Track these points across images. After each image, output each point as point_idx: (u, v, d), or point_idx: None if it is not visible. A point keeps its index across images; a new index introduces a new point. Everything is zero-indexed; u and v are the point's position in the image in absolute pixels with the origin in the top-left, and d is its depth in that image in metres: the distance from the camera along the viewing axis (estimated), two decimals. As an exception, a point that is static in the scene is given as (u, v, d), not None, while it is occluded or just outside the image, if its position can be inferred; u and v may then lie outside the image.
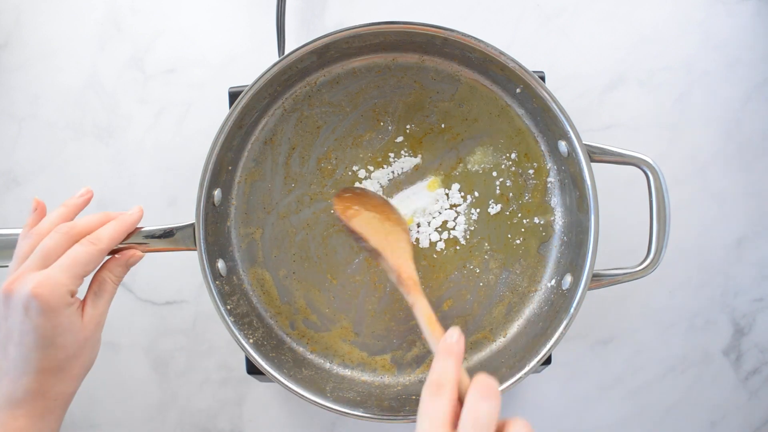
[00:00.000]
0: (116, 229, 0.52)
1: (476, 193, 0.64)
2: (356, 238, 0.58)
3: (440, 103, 0.64)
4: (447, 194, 0.64)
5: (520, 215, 0.64)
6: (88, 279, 0.52)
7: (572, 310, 0.57)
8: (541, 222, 0.64)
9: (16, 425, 0.46)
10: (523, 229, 0.64)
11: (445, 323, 0.64)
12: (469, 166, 0.64)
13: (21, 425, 0.46)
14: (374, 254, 0.57)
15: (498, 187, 0.64)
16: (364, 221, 0.58)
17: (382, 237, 0.57)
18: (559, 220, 0.64)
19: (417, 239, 0.64)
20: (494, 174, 0.64)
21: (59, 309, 0.47)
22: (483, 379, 0.39)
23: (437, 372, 0.40)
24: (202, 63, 0.71)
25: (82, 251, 0.49)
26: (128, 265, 0.55)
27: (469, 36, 0.57)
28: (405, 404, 0.59)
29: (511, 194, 0.64)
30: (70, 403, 0.50)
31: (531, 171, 0.64)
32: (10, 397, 0.47)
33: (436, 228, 0.64)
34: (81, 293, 0.52)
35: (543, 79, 0.61)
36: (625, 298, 0.71)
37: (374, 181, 0.64)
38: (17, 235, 0.53)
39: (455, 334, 0.43)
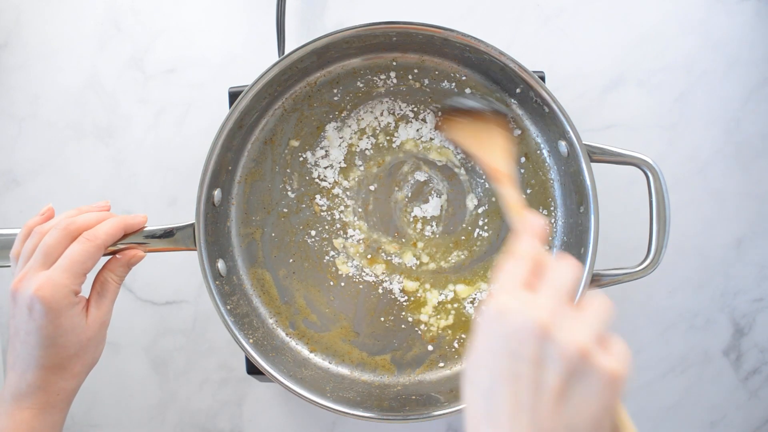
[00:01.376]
0: (113, 226, 0.53)
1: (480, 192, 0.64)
2: (457, 146, 0.65)
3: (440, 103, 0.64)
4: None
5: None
6: (91, 278, 0.53)
7: (572, 310, 0.57)
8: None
9: (21, 416, 0.48)
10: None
11: (449, 326, 0.64)
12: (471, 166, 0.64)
13: (26, 417, 0.49)
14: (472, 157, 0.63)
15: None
16: (462, 130, 0.62)
17: (476, 141, 0.60)
18: (559, 220, 0.64)
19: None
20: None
21: (62, 310, 0.48)
22: (569, 257, 0.38)
23: (521, 247, 0.39)
24: (202, 63, 0.71)
25: (79, 249, 0.50)
26: (129, 265, 0.55)
27: (469, 36, 0.57)
28: (405, 404, 0.59)
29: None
30: (72, 398, 0.52)
31: (532, 171, 0.64)
32: (16, 389, 0.49)
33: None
34: (86, 290, 0.52)
35: (543, 79, 0.61)
36: (625, 298, 0.71)
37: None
38: (15, 234, 0.54)
39: (540, 219, 0.41)
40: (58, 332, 0.48)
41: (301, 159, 0.64)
